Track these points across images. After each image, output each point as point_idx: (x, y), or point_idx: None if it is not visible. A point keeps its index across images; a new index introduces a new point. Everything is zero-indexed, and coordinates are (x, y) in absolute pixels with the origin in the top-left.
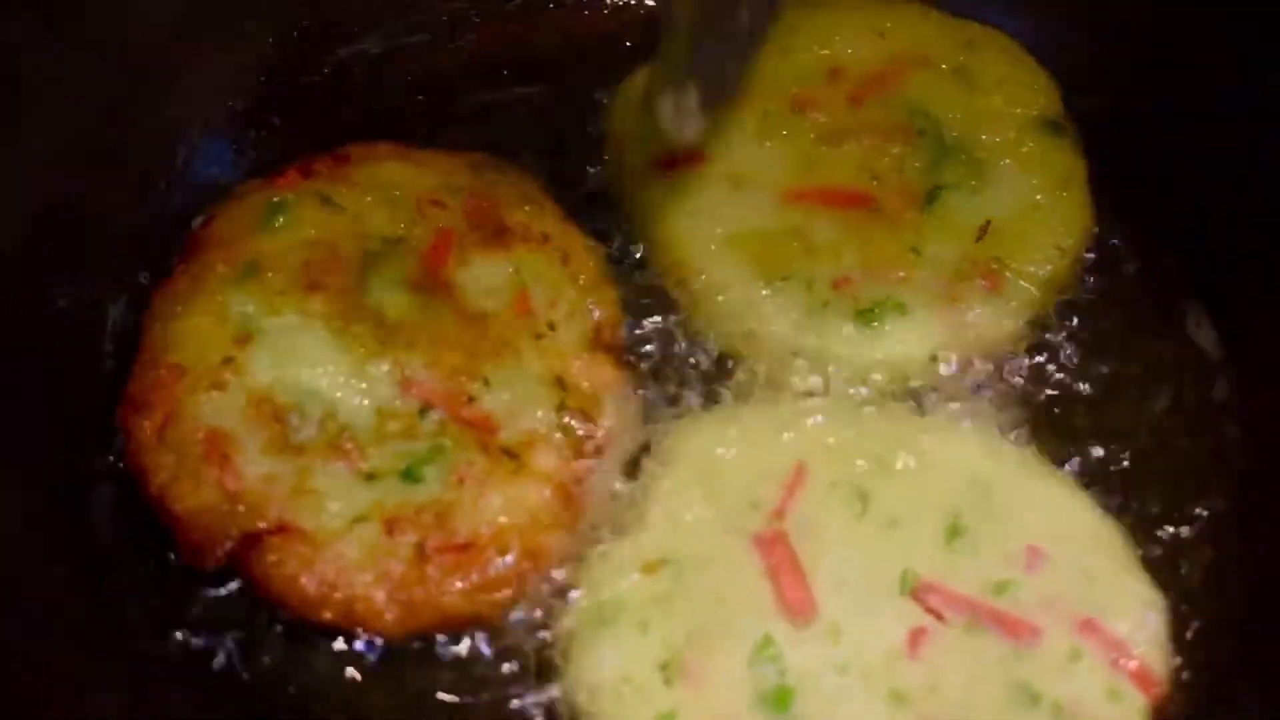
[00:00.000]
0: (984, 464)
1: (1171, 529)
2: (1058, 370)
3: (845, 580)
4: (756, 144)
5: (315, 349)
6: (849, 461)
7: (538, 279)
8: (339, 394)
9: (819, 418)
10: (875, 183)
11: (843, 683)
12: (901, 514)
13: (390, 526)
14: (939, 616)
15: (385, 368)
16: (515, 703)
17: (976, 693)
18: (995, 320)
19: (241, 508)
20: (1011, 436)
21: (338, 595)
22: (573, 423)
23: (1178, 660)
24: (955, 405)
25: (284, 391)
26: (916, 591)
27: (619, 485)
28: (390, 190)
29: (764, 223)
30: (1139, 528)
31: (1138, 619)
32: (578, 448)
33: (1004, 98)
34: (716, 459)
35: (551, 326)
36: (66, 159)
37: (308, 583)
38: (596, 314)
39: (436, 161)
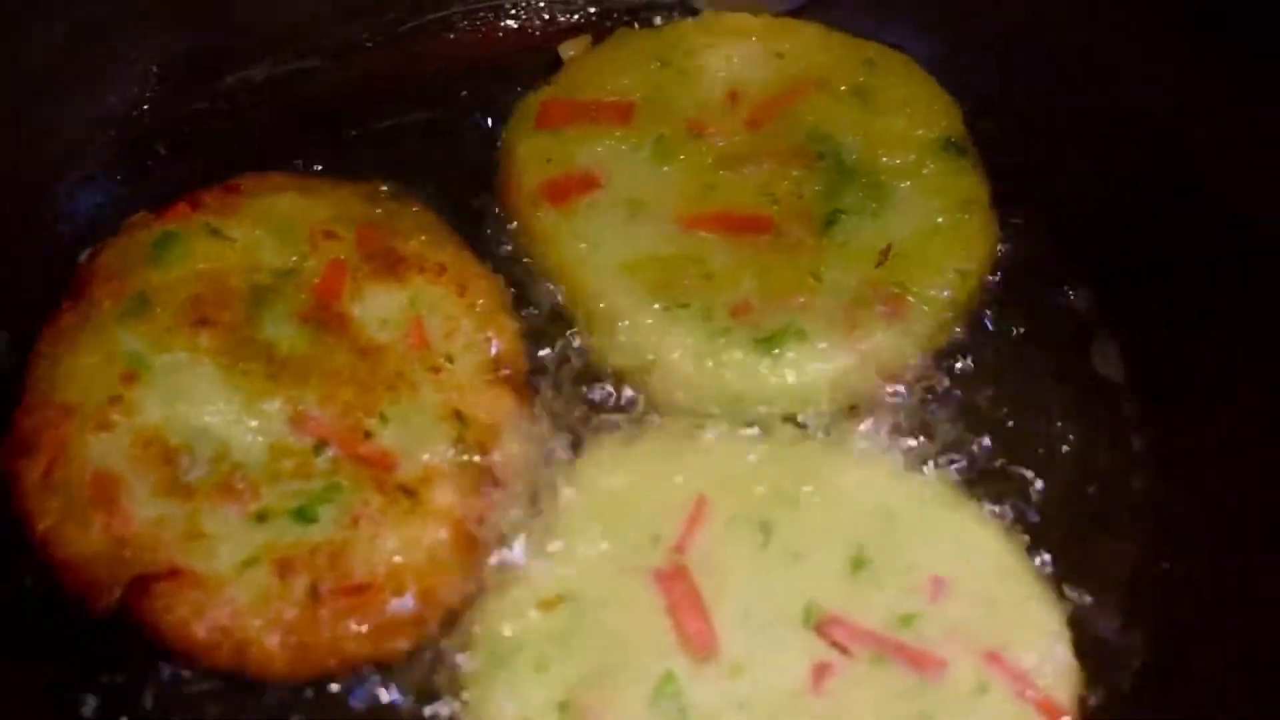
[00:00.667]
0: (888, 494)
1: (1079, 558)
2: (962, 396)
3: (748, 614)
4: (653, 169)
5: (205, 387)
6: (751, 493)
7: (433, 310)
8: (230, 433)
9: (720, 449)
10: (775, 207)
11: None
12: (805, 546)
13: (283, 568)
14: (844, 650)
15: (277, 405)
16: None
17: None
18: (897, 345)
19: (129, 552)
20: (917, 466)
21: (230, 640)
22: (471, 457)
23: (1084, 690)
24: (860, 433)
25: (174, 431)
26: (820, 625)
27: (518, 520)
28: (282, 222)
29: (661, 249)
30: (1045, 556)
31: (1044, 649)
32: (476, 483)
33: (904, 119)
34: (616, 493)
35: (449, 359)
36: None
37: (199, 628)
38: (495, 345)
39: (330, 192)
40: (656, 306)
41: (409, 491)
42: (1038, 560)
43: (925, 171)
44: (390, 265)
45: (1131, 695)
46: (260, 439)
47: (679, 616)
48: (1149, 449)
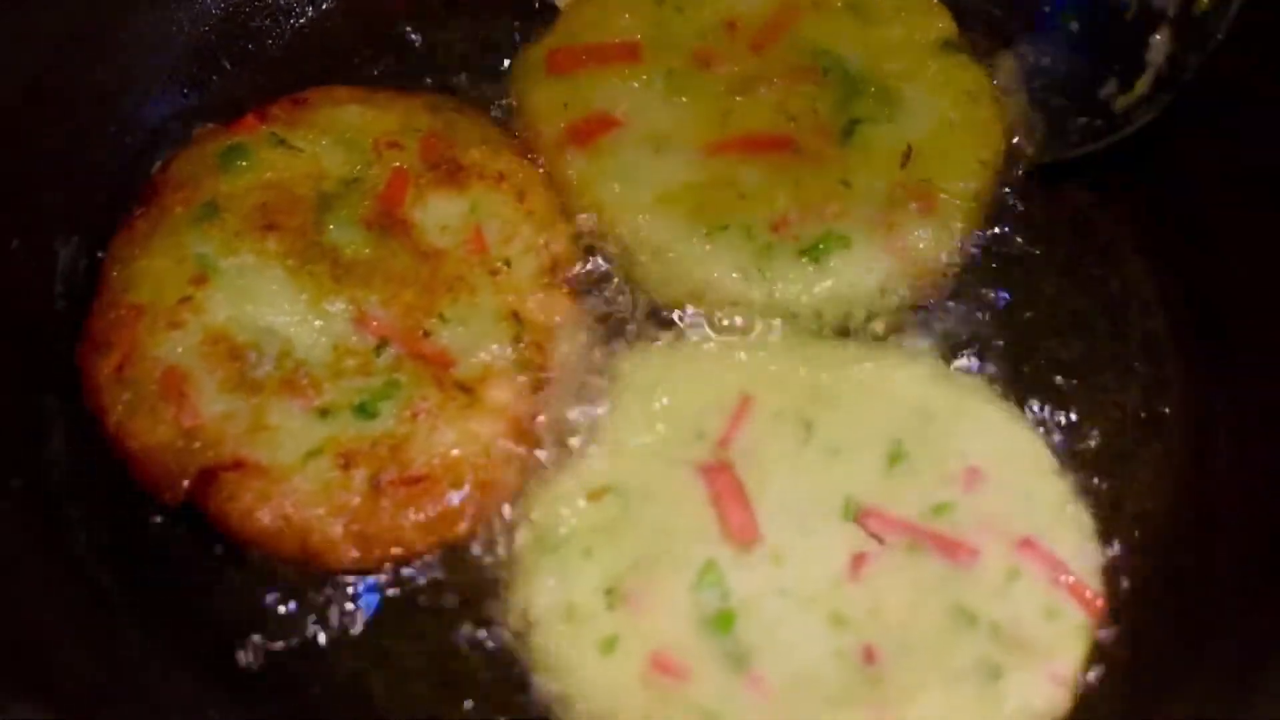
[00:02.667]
0: (926, 391)
1: (1112, 457)
2: (1001, 299)
3: (788, 507)
4: (668, 103)
5: (272, 288)
6: (794, 392)
7: (493, 216)
8: (295, 332)
9: (764, 350)
10: (792, 124)
11: (785, 606)
12: (844, 441)
13: (345, 460)
14: (880, 540)
15: (341, 305)
16: (464, 630)
17: (917, 615)
18: (934, 241)
19: (198, 444)
20: (955, 363)
21: (293, 529)
22: (527, 356)
23: (1114, 582)
24: (901, 334)
25: (241, 330)
26: (858, 516)
27: (570, 416)
28: (347, 133)
29: (692, 177)
30: (1079, 453)
31: (1075, 539)
32: (531, 381)
33: (900, 26)
34: (663, 390)
35: (507, 263)
36: (14, 99)
37: (263, 516)
38: (551, 249)
39: (394, 103)
40: (698, 233)
41: (466, 389)
42: (1070, 456)
43: (929, 72)
44: (451, 174)
45: (1161, 591)
46: (324, 338)
47: (722, 507)
48: (1183, 353)
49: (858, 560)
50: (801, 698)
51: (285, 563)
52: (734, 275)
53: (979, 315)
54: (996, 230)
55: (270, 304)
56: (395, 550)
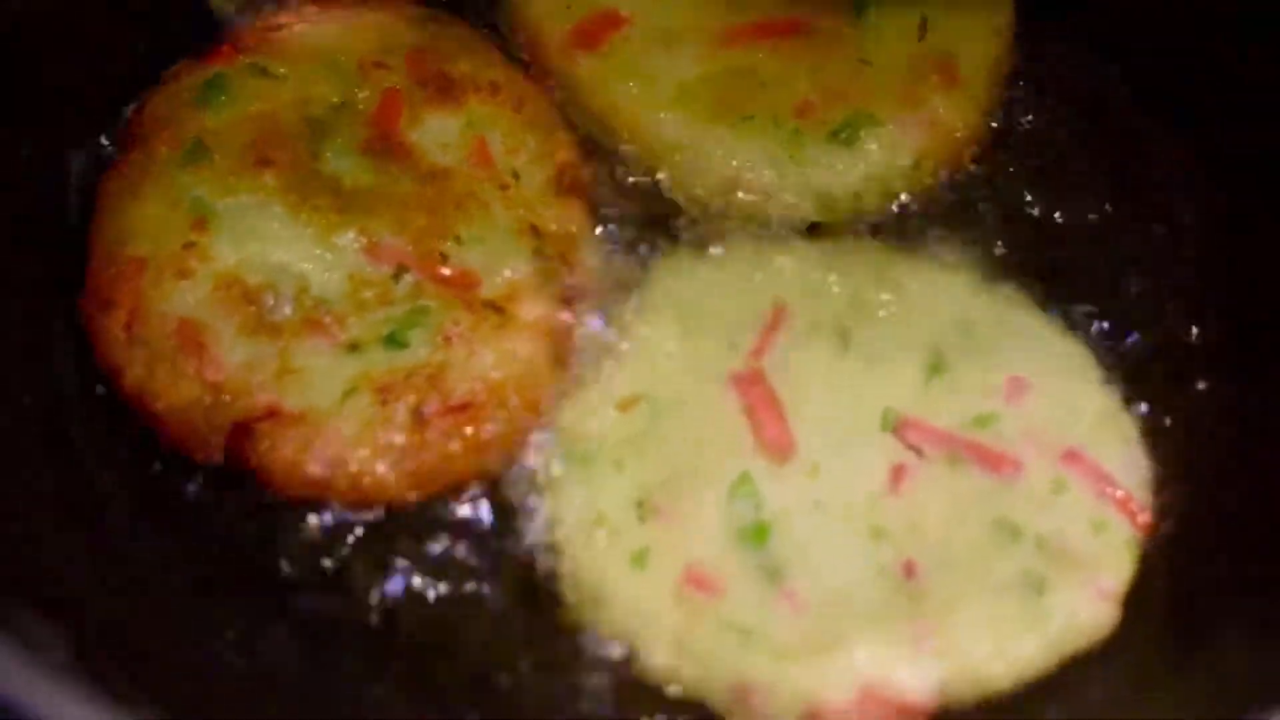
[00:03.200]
0: (966, 301)
1: (1156, 364)
2: (1036, 205)
3: (825, 419)
4: None
5: (276, 226)
6: (829, 302)
7: (493, 129)
8: (308, 268)
9: (799, 258)
10: (802, 6)
11: (821, 519)
12: (882, 351)
13: (383, 395)
14: (919, 452)
15: (351, 236)
16: (495, 545)
17: (957, 528)
18: (960, 111)
19: (227, 397)
20: (996, 275)
21: (341, 472)
22: (552, 268)
23: (1160, 495)
24: (937, 241)
25: (252, 271)
26: (897, 428)
27: (600, 327)
28: (329, 55)
29: (708, 69)
30: (1125, 363)
31: (1122, 452)
32: (559, 293)
33: None
34: (694, 299)
35: (515, 175)
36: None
37: (308, 464)
38: (558, 157)
39: (373, 19)
40: (723, 125)
41: (496, 308)
42: (1115, 366)
43: None
44: (444, 89)
45: (1207, 505)
46: (338, 272)
47: (756, 419)
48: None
49: (897, 472)
50: (838, 613)
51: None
52: (765, 165)
53: (1015, 225)
54: (1019, 98)
55: (277, 242)
56: (445, 480)
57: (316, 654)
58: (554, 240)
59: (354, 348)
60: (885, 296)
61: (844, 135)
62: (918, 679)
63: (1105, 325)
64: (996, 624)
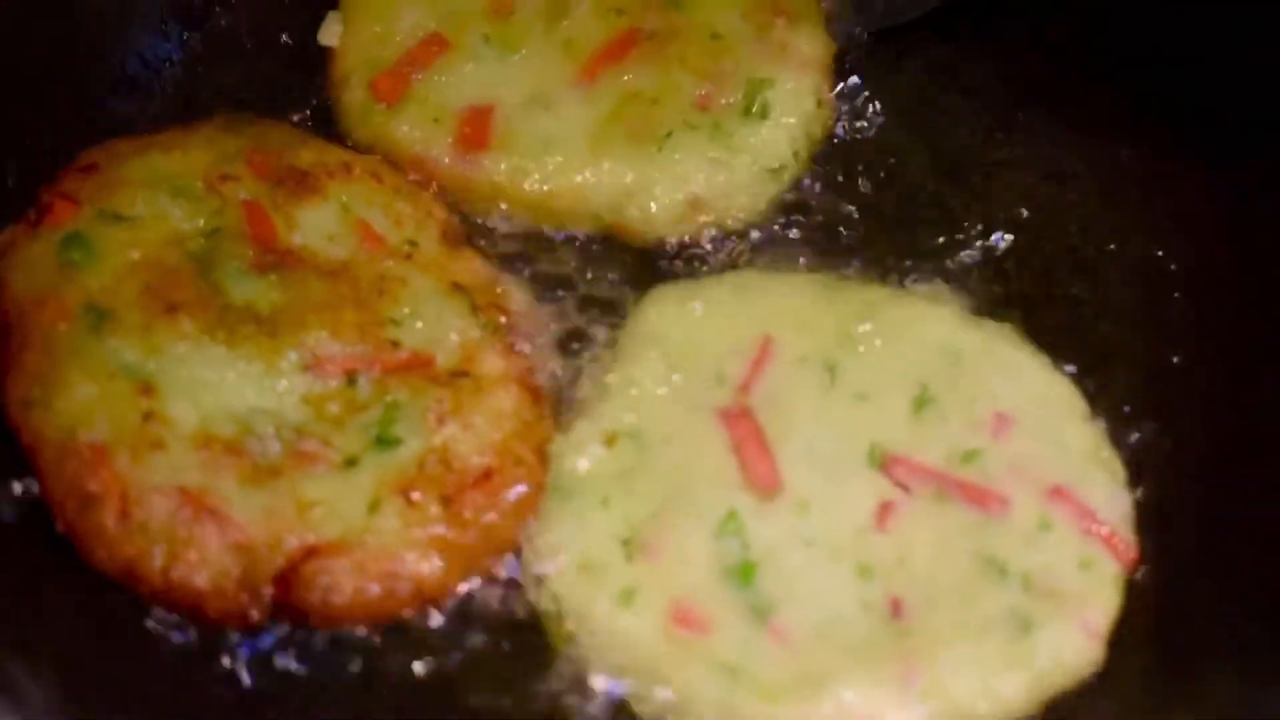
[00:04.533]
0: (952, 334)
1: (1141, 398)
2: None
3: (812, 454)
4: (513, 63)
5: (218, 369)
6: (817, 334)
7: (368, 206)
8: (269, 402)
9: (786, 291)
10: (625, 16)
11: (809, 556)
12: (870, 386)
13: (406, 495)
14: (906, 489)
15: (293, 357)
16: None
17: (944, 565)
18: (818, 35)
19: (259, 552)
20: (982, 310)
21: (400, 583)
22: (492, 317)
23: (1146, 527)
24: (922, 276)
25: (221, 423)
26: (884, 464)
27: (581, 360)
28: (171, 182)
29: (598, 111)
30: (1109, 397)
31: (1108, 487)
32: (507, 339)
33: None
34: (682, 332)
35: (411, 243)
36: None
37: (367, 589)
38: (436, 215)
39: (194, 137)
40: (651, 152)
41: (462, 374)
42: (1100, 401)
43: None
44: (300, 182)
45: (1191, 541)
46: (296, 396)
47: (743, 454)
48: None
49: (884, 509)
50: (826, 650)
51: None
52: (714, 170)
53: (1000, 260)
54: None
55: (228, 385)
56: (494, 555)
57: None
58: (479, 291)
59: (352, 462)
60: (872, 329)
61: (756, 108)
62: (905, 719)
63: (1089, 360)
64: (983, 662)
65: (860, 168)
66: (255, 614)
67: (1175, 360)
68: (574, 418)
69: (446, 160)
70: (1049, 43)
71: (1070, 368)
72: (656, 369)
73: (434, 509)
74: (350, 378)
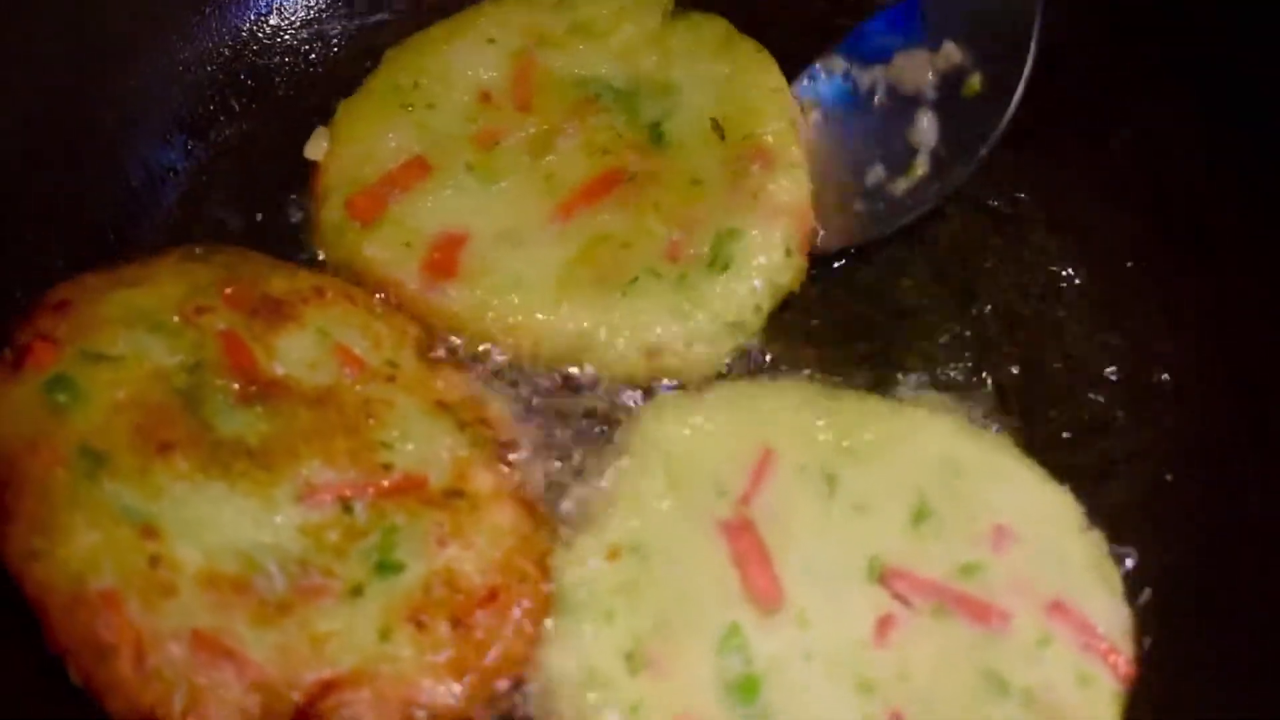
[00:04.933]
0: (950, 445)
1: (1137, 507)
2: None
3: (813, 567)
4: (492, 195)
5: (216, 505)
6: (816, 445)
7: (345, 329)
8: (268, 537)
9: (784, 402)
10: (609, 155)
11: (810, 671)
12: (869, 497)
13: (416, 620)
14: (907, 603)
15: (287, 489)
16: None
17: (945, 681)
18: (795, 182)
19: (277, 690)
20: (977, 420)
21: (421, 709)
22: (480, 432)
23: (1144, 642)
24: (916, 385)
25: (225, 561)
26: (884, 577)
27: (581, 474)
28: (148, 317)
29: (568, 252)
30: (1105, 506)
31: (1106, 600)
32: (497, 454)
33: (627, 22)
34: (682, 443)
35: (392, 364)
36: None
37: (389, 717)
38: (411, 334)
39: (164, 271)
40: (615, 296)
41: (457, 493)
42: (1096, 513)
43: (676, 43)
44: (276, 310)
45: (1190, 651)
46: (294, 528)
47: (745, 569)
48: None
49: (884, 623)
50: None
51: None
52: (673, 320)
53: (998, 369)
54: None
55: (228, 522)
56: (508, 672)
57: None
58: (463, 408)
59: (358, 591)
60: (870, 440)
61: (720, 261)
62: None
63: (1086, 469)
64: None
65: (856, 276)
66: None
67: (1169, 473)
68: (574, 531)
69: (412, 285)
70: (1044, 155)
71: (1067, 477)
72: (657, 481)
73: (445, 632)
74: (345, 505)
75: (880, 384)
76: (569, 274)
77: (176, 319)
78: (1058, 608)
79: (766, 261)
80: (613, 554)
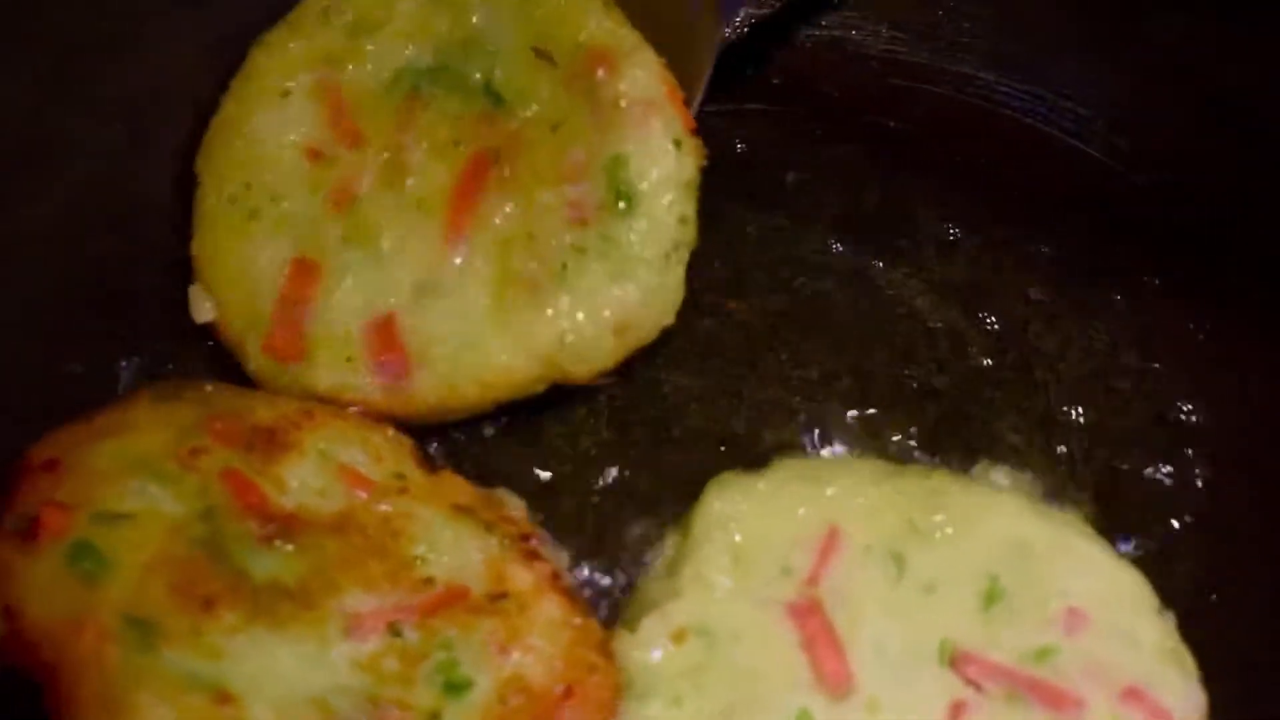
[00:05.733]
0: (1020, 524)
1: (1209, 586)
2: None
3: (883, 650)
4: (384, 258)
5: (273, 653)
6: (883, 524)
7: (345, 448)
8: (333, 681)
9: (848, 479)
10: (463, 145)
11: None
12: (938, 578)
13: None
14: (978, 688)
15: (335, 624)
16: None
17: None
18: (645, 67)
19: None
20: (1047, 498)
21: None
22: (504, 529)
23: None
24: (985, 465)
25: (300, 712)
26: (955, 661)
27: (645, 556)
28: (146, 466)
29: (485, 276)
30: (1177, 587)
31: (1181, 685)
32: (526, 548)
33: (396, 3)
34: (746, 523)
35: (400, 476)
36: (65, 215)
37: None
38: (404, 443)
39: (145, 417)
40: (554, 298)
41: (500, 595)
42: (1169, 594)
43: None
44: (270, 440)
45: None
46: (351, 663)
47: (814, 653)
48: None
49: (956, 709)
50: None
51: None
52: (618, 286)
53: (1066, 450)
54: None
55: (289, 670)
56: None
57: None
58: (482, 507)
59: (436, 716)
60: (939, 518)
61: (623, 195)
62: None
63: (1159, 548)
64: None
65: (920, 347)
66: None
67: (1243, 551)
68: (639, 614)
69: (377, 397)
70: (1112, 219)
71: (1141, 558)
72: (722, 562)
73: None
74: (394, 629)
75: (945, 458)
76: (501, 299)
77: (173, 465)
78: (1133, 694)
79: (664, 169)
80: (678, 637)
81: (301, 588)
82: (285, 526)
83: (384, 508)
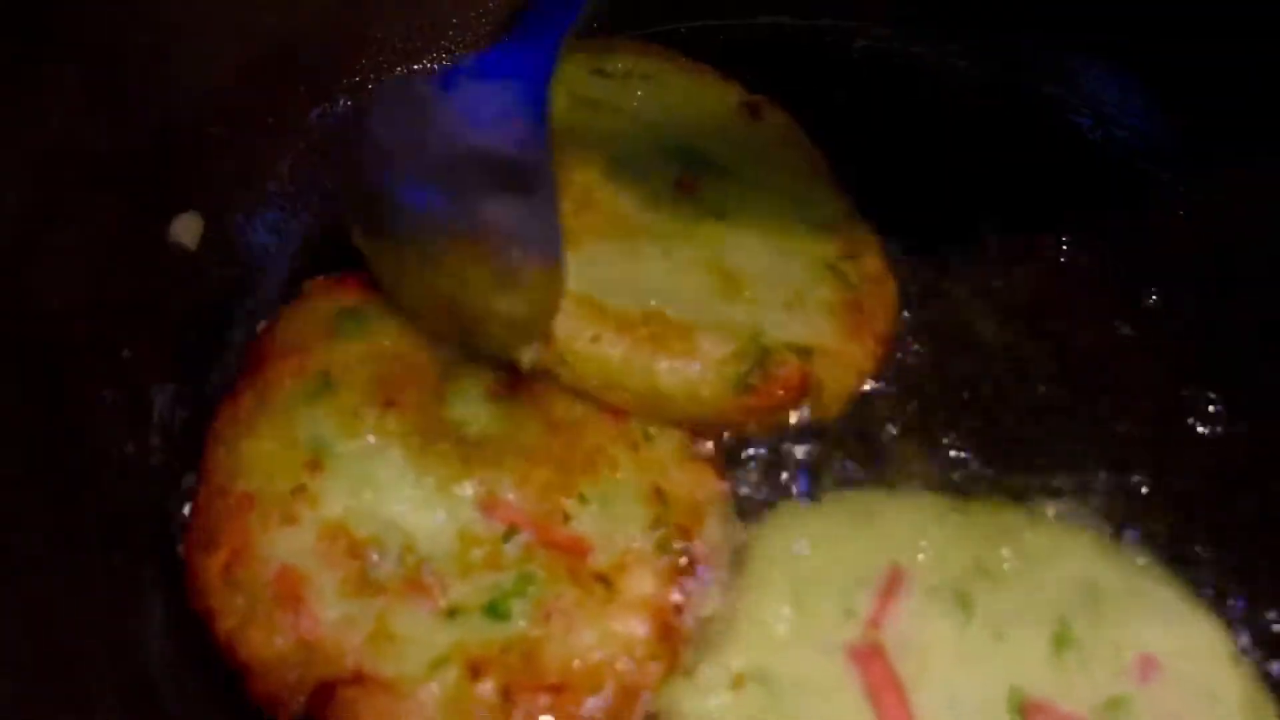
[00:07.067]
0: (1090, 565)
1: None
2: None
3: (950, 699)
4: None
5: (393, 473)
6: (948, 564)
7: None
8: (418, 521)
9: (910, 515)
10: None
11: None
12: (1006, 621)
13: (474, 669)
14: None
15: (469, 489)
16: None
17: None
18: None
19: (316, 656)
20: (1117, 537)
21: None
22: (669, 539)
23: None
24: (1054, 502)
25: (360, 523)
26: (1025, 710)
27: (714, 602)
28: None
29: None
30: (1256, 635)
31: None
32: (675, 569)
33: None
34: (806, 560)
35: (647, 436)
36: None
37: None
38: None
39: None
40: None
41: (605, 581)
42: (1249, 642)
43: None
44: None
45: None
46: (449, 526)
47: (879, 704)
48: None
49: None
50: None
51: None
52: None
53: (1142, 491)
54: None
55: (391, 491)
56: None
57: None
58: (679, 509)
59: (453, 614)
60: (1007, 557)
61: None
62: None
63: (1236, 591)
64: None
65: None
66: (287, 709)
67: None
68: (696, 657)
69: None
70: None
71: (1218, 602)
72: (781, 603)
73: (489, 695)
74: (510, 532)
75: (1011, 493)
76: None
77: None
78: None
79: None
80: (737, 683)
81: (474, 444)
82: (517, 395)
83: (605, 442)
